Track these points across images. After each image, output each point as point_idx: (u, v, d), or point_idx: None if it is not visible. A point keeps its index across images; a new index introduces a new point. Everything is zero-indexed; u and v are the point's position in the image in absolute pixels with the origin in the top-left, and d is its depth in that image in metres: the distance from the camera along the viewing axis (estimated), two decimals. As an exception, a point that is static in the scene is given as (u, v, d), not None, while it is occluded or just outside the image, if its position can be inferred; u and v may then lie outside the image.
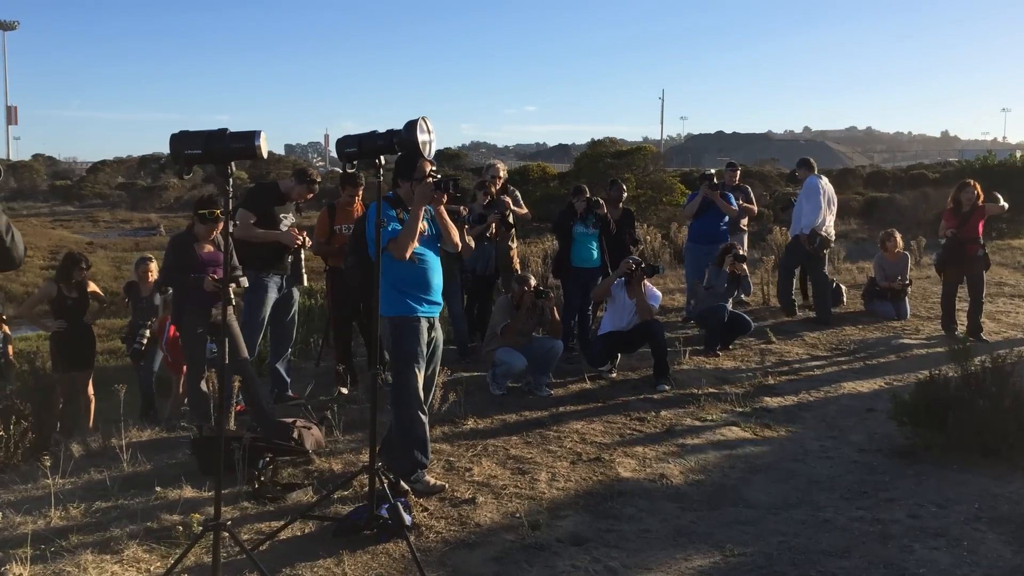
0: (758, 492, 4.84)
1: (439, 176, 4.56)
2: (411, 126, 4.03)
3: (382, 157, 4.08)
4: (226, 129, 3.48)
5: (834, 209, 9.82)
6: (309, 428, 5.37)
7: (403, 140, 4.05)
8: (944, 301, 8.94)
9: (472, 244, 6.79)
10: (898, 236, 10.41)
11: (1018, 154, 21.81)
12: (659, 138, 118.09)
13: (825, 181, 9.81)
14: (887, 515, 4.47)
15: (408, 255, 4.50)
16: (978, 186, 8.78)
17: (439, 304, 4.80)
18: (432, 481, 4.81)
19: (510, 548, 4.09)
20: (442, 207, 4.66)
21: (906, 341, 8.69)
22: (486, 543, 4.15)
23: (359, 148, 4.10)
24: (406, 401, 4.64)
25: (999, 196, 9.15)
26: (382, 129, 4.12)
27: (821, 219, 9.46)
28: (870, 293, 10.10)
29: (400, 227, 4.50)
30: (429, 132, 4.12)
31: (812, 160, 10.07)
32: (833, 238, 9.90)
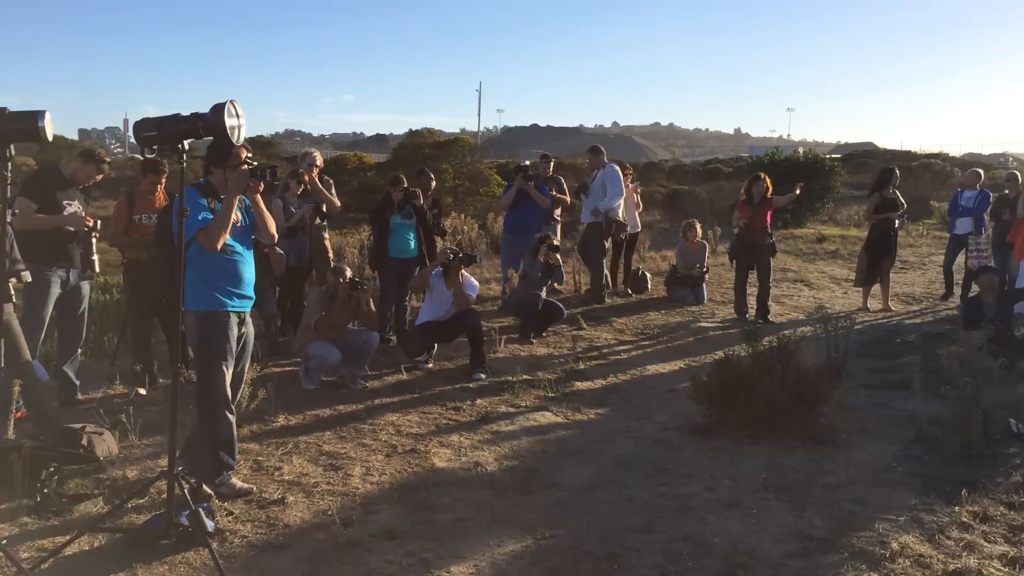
0: (568, 475, 4.98)
1: (255, 163, 4.35)
2: (218, 110, 3.79)
3: (185, 142, 3.82)
4: (5, 108, 3.17)
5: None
6: (100, 433, 4.99)
7: (209, 125, 3.79)
8: (736, 286, 9.60)
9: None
10: (698, 226, 11.07)
11: (801, 151, 23.70)
12: (476, 130, 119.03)
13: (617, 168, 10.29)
14: (686, 489, 4.73)
15: (219, 246, 4.28)
16: (767, 179, 9.48)
17: (251, 299, 4.58)
18: (238, 484, 4.60)
19: (321, 547, 3.98)
20: (258, 196, 4.46)
21: (703, 324, 9.26)
22: (296, 544, 4.02)
23: (159, 132, 3.81)
24: (212, 400, 4.41)
25: (798, 185, 9.94)
26: (185, 113, 3.86)
27: (619, 204, 9.92)
28: (672, 280, 10.68)
29: (212, 217, 4.26)
30: (238, 116, 3.89)
31: (602, 147, 10.53)
32: (629, 225, 10.44)
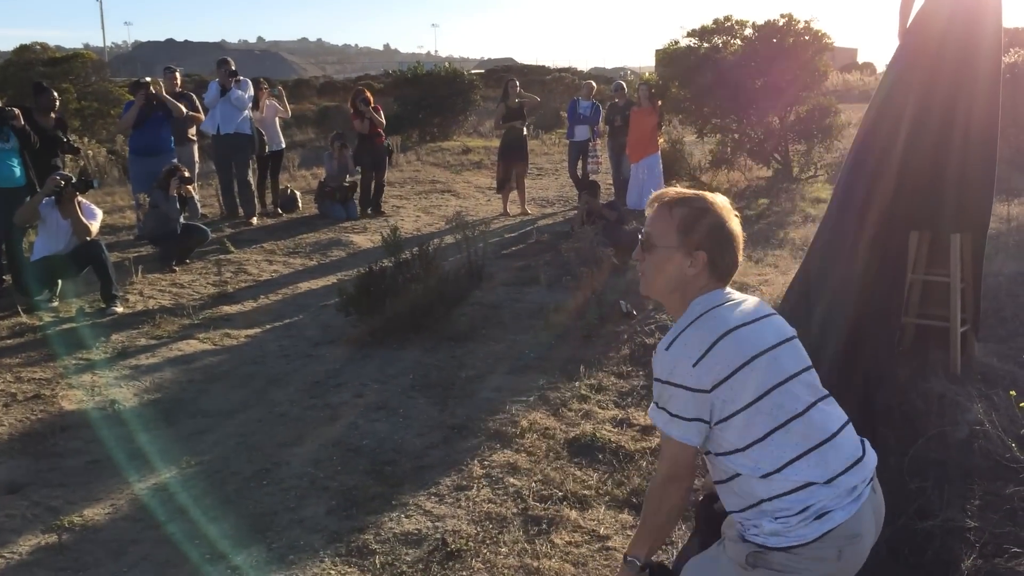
0: (216, 400, 4.84)
1: None
2: None
3: None
4: None
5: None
6: None
7: None
8: (362, 191, 10.46)
9: None
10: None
11: (447, 64, 24.29)
12: (102, 45, 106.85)
13: None
14: (336, 399, 4.82)
15: None
16: (368, 91, 9.89)
17: None
18: None
19: (-78, 516, 3.52)
20: None
21: (354, 238, 9.32)
22: None
23: None
24: None
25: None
26: None
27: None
28: (321, 195, 10.57)
29: None
30: None
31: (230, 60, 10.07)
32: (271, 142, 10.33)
